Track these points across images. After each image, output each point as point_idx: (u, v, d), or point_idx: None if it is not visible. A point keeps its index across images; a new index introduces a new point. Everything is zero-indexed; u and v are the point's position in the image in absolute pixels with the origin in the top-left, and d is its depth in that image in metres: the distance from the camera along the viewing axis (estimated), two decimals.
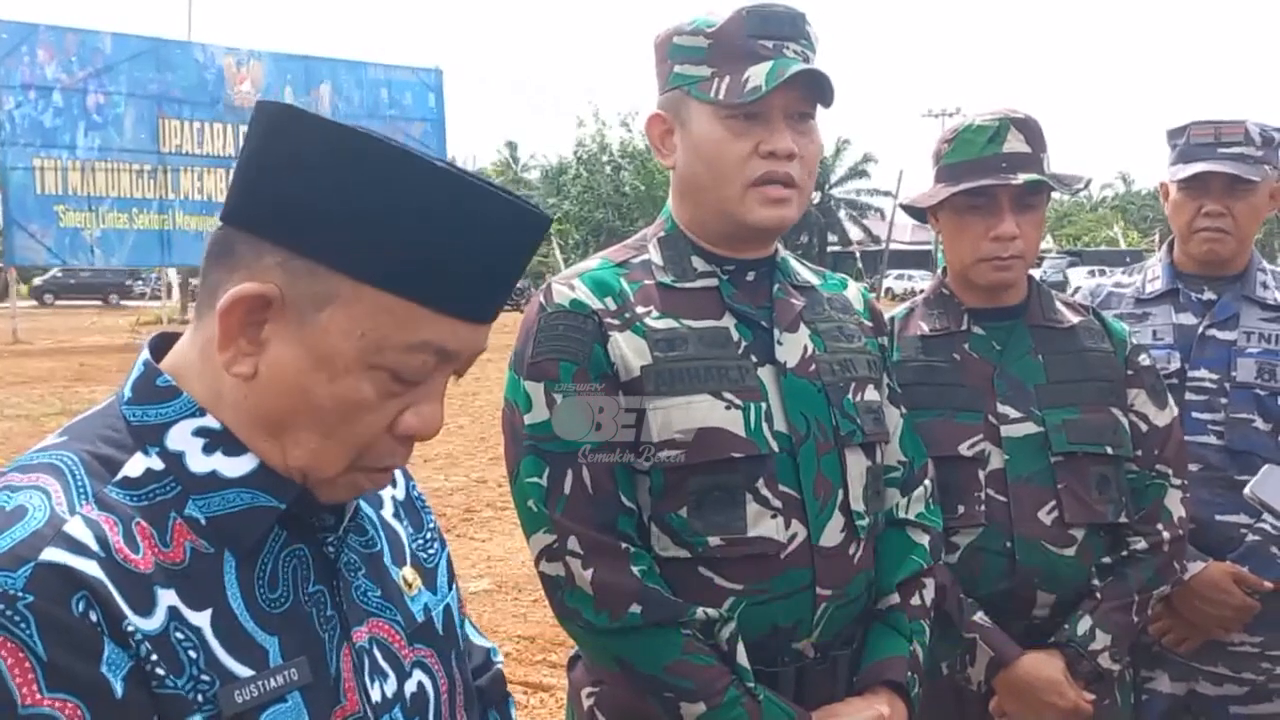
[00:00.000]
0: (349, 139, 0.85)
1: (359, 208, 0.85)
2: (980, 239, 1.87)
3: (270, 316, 0.87)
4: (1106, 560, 1.87)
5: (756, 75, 1.46)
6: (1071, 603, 1.85)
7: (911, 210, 2.01)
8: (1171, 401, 2.00)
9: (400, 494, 1.12)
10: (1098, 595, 1.84)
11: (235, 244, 0.88)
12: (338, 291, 0.86)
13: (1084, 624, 1.82)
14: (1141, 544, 1.87)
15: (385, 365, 0.88)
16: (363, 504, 1.04)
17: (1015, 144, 1.85)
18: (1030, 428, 1.86)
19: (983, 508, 1.84)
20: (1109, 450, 1.87)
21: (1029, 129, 1.87)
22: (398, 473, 1.14)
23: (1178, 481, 1.94)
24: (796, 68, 1.46)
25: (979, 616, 1.82)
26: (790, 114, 1.51)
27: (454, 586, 1.14)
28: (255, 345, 0.88)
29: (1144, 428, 1.93)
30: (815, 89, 1.50)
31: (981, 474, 1.85)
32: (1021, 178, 1.82)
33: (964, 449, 1.85)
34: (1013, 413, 1.87)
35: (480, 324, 0.92)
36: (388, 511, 1.09)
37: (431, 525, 1.15)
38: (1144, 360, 1.99)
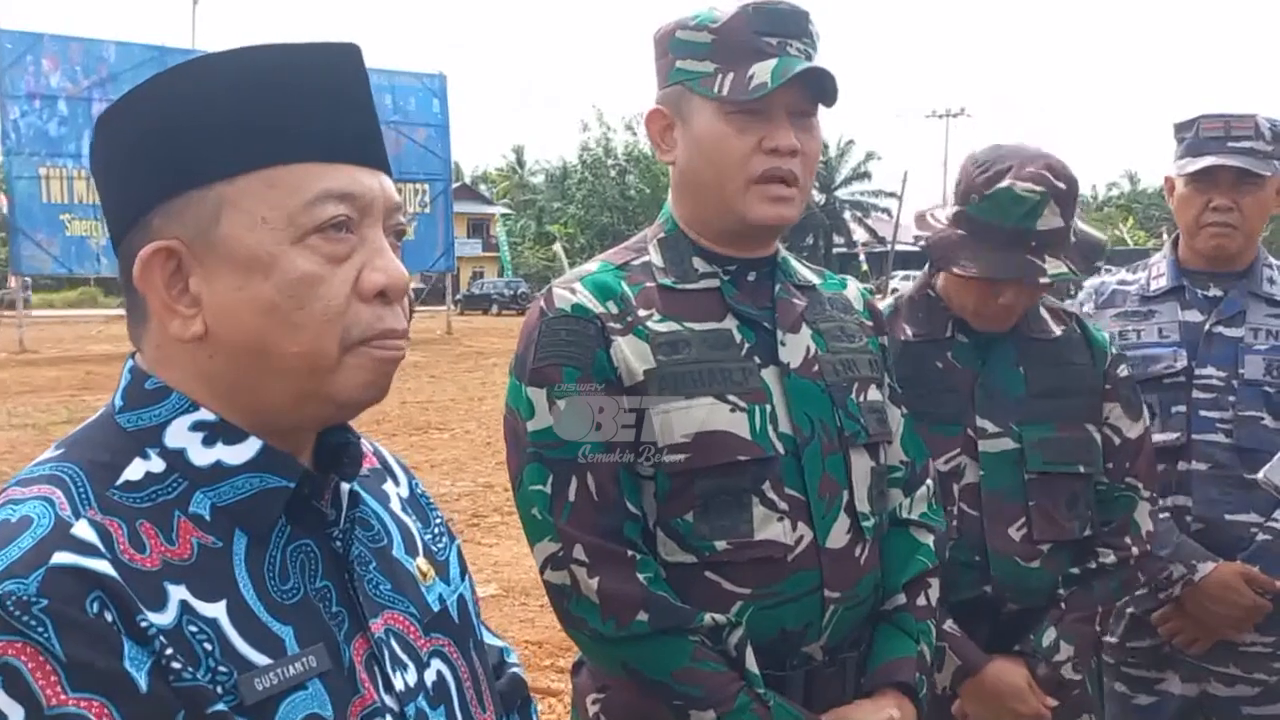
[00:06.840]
0: (149, 88, 0.90)
1: (182, 121, 0.88)
2: (987, 298, 1.86)
3: (185, 268, 0.89)
4: (1075, 571, 1.89)
5: (761, 72, 1.45)
6: (1039, 606, 1.87)
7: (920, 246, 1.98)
8: (1145, 413, 1.99)
9: (404, 491, 1.13)
10: (1063, 605, 1.86)
11: (129, 251, 0.91)
12: (219, 198, 0.88)
13: (1049, 635, 1.84)
14: (1111, 557, 1.89)
15: (305, 230, 0.89)
16: (368, 499, 1.04)
17: (1050, 220, 1.78)
18: (1007, 444, 1.86)
19: (955, 521, 1.84)
20: (1081, 469, 1.88)
21: (1066, 200, 1.80)
22: (400, 472, 1.14)
23: (1147, 494, 1.94)
24: (801, 66, 1.45)
25: (948, 625, 1.83)
26: (793, 111, 1.50)
27: (467, 578, 1.14)
28: (193, 304, 0.89)
29: (1116, 441, 1.93)
30: (819, 87, 1.49)
31: (956, 487, 1.85)
32: (1049, 272, 1.78)
33: (940, 464, 1.83)
34: (991, 427, 1.87)
35: (367, 167, 0.93)
36: (395, 506, 1.09)
37: (438, 520, 1.15)
38: (1122, 372, 1.98)
